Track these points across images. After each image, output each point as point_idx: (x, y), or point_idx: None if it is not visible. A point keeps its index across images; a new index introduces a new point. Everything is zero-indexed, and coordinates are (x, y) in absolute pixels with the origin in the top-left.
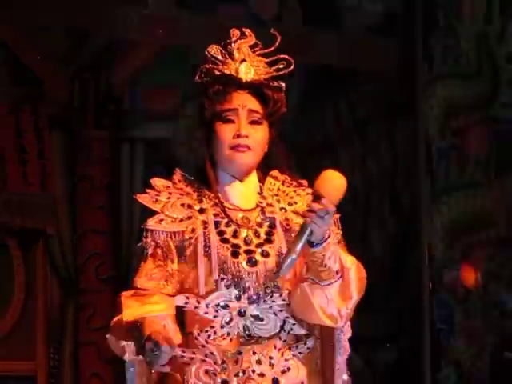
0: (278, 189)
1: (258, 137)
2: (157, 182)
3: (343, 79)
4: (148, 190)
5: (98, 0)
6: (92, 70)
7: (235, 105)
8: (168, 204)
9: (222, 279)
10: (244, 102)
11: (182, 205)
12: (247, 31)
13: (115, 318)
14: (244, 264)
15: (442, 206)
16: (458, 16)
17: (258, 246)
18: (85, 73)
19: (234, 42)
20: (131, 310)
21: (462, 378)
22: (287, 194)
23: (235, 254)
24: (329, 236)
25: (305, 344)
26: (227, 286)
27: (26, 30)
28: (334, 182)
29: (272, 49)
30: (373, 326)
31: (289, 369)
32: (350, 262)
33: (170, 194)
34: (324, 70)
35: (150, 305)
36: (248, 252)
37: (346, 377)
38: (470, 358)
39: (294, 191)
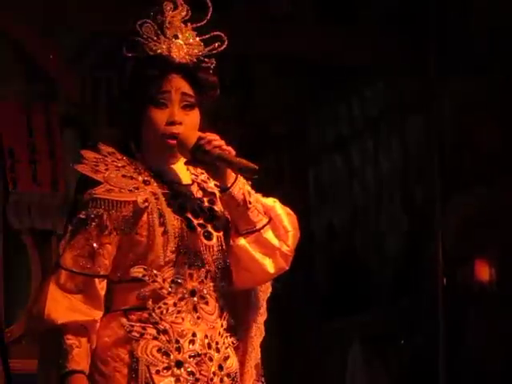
0: (201, 168)
1: (190, 122)
2: (88, 154)
3: (355, 76)
4: (85, 161)
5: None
6: (104, 69)
7: (168, 88)
8: (109, 175)
9: (180, 252)
10: (177, 85)
11: (124, 176)
12: (179, 1)
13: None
14: (201, 237)
15: (455, 203)
16: (471, 11)
17: (207, 220)
18: (97, 71)
19: (166, 14)
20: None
21: (477, 376)
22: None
23: (191, 227)
24: (236, 176)
25: (235, 334)
26: (183, 262)
27: (38, 28)
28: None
29: (204, 22)
30: (387, 324)
31: (228, 356)
32: (271, 200)
33: (106, 165)
34: (336, 67)
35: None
36: (201, 226)
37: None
38: (485, 356)
39: None
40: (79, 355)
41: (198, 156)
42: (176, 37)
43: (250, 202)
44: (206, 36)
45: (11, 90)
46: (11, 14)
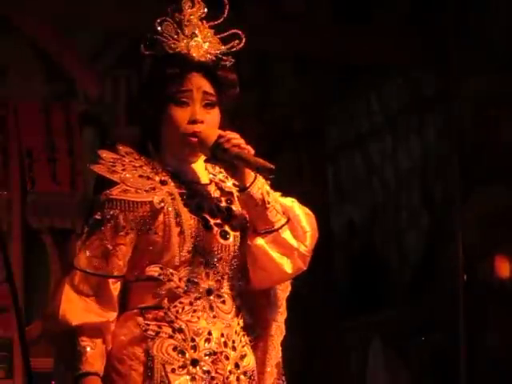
0: (220, 166)
1: (211, 121)
2: (105, 154)
3: (374, 73)
4: (101, 161)
5: None
6: (123, 68)
7: (190, 86)
8: (126, 175)
9: (196, 252)
10: (198, 84)
11: (141, 176)
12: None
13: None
14: (218, 237)
15: (475, 200)
16: (490, 7)
17: (224, 220)
18: (116, 70)
19: (185, 12)
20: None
21: (498, 372)
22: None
23: (208, 227)
24: (255, 176)
25: (253, 333)
26: (199, 261)
27: (57, 28)
28: None
29: (222, 20)
30: (407, 321)
31: (245, 355)
32: (289, 200)
33: (124, 165)
34: (354, 64)
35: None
36: (218, 225)
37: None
38: (505, 352)
39: None
40: (93, 357)
41: (218, 154)
42: (194, 35)
43: (268, 202)
44: (224, 34)
45: (31, 90)
46: (31, 13)
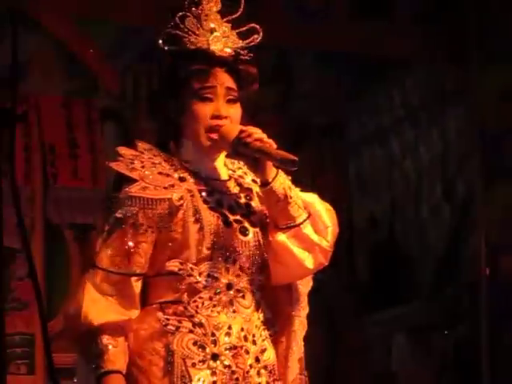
0: (238, 162)
1: (234, 116)
2: (124, 150)
3: (395, 67)
4: (120, 158)
5: None
6: (145, 63)
7: (214, 82)
8: (145, 172)
9: (215, 248)
10: (222, 80)
11: (160, 173)
12: None
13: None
14: (237, 233)
15: (497, 192)
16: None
17: (244, 216)
18: (137, 65)
19: (203, 7)
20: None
21: None
22: (248, 168)
23: (227, 223)
24: (277, 171)
25: (273, 327)
26: (219, 257)
27: (78, 23)
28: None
29: (239, 14)
30: (429, 314)
31: (266, 349)
32: (310, 196)
33: (143, 162)
34: (375, 58)
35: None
36: (237, 221)
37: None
38: None
39: None
40: (115, 355)
41: (239, 149)
42: (213, 30)
43: (290, 197)
44: (242, 29)
45: (52, 85)
46: (52, 10)
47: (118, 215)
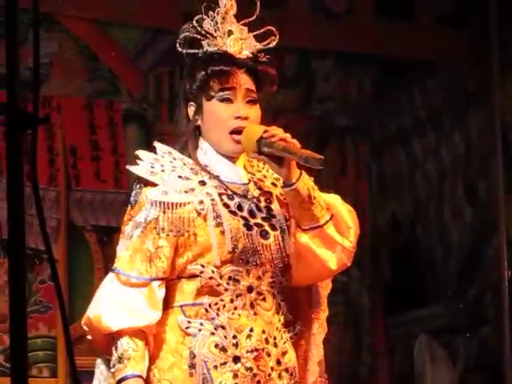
0: (258, 165)
1: (254, 117)
2: (144, 154)
3: (417, 68)
4: (139, 162)
5: None
6: (166, 65)
7: (234, 84)
8: (165, 176)
9: (236, 252)
10: (241, 81)
11: (180, 177)
12: None
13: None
14: (258, 236)
15: None
16: None
17: (264, 219)
18: (160, 67)
19: (220, 10)
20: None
21: None
22: (267, 171)
23: (248, 227)
24: (301, 172)
25: (293, 329)
26: (241, 260)
27: (100, 25)
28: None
29: (255, 17)
30: (452, 316)
31: (287, 351)
32: (333, 197)
33: (163, 166)
34: (397, 60)
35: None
36: (258, 225)
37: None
38: None
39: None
40: (136, 359)
41: (263, 149)
42: (231, 32)
43: (314, 197)
44: (259, 31)
45: (74, 87)
46: (75, 11)
47: (139, 219)
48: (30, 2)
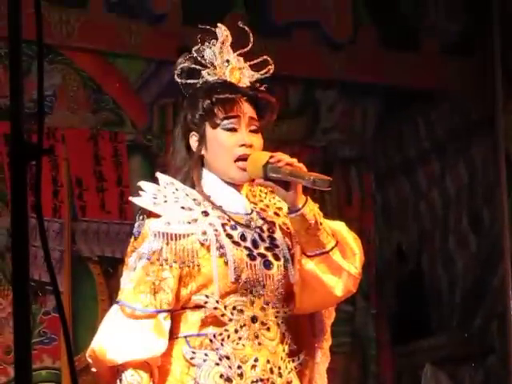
0: (259, 195)
1: (258, 145)
2: (146, 185)
3: (421, 98)
4: (142, 193)
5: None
6: (171, 96)
7: (237, 112)
8: (167, 207)
9: (240, 282)
10: (244, 110)
11: (183, 208)
12: (222, 27)
13: (97, 346)
14: (261, 267)
15: None
16: None
17: (267, 249)
18: (163, 98)
19: (218, 41)
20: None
21: None
22: (269, 200)
23: (252, 257)
24: (307, 198)
25: (298, 359)
26: (244, 290)
27: (104, 57)
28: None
29: (250, 47)
30: (457, 346)
31: (291, 381)
32: (337, 224)
33: (165, 196)
34: (401, 90)
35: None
36: (261, 255)
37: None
38: None
39: (273, 197)
40: None
41: (270, 174)
42: (228, 62)
43: (321, 223)
44: (255, 61)
45: (78, 119)
46: (78, 42)
47: (142, 250)
48: (34, 34)
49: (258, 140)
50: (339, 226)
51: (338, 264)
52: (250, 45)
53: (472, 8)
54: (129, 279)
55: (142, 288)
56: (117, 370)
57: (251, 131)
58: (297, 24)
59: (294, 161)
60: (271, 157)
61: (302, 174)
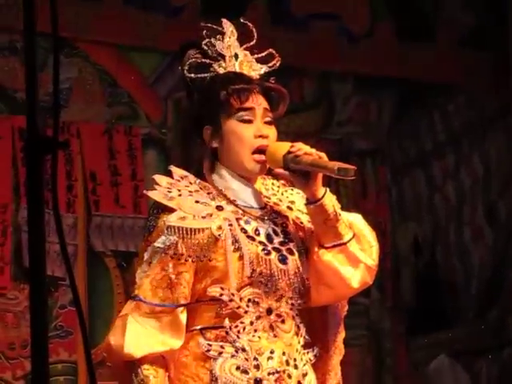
0: (272, 188)
1: (273, 137)
2: (160, 179)
3: (437, 91)
4: (156, 187)
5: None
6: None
7: (252, 104)
8: (181, 201)
9: (255, 277)
10: (259, 101)
11: (197, 202)
12: (227, 23)
13: (114, 341)
14: (276, 262)
15: None
16: None
17: (281, 244)
18: (178, 92)
19: (225, 35)
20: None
21: None
22: (282, 194)
23: (266, 252)
24: (326, 189)
25: (313, 351)
26: (259, 282)
27: (120, 50)
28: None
29: (254, 42)
30: (474, 338)
31: (307, 373)
32: (354, 215)
33: (179, 190)
34: (417, 83)
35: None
36: (276, 250)
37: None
38: None
39: (285, 191)
40: None
41: (290, 165)
42: (236, 55)
43: (340, 214)
44: (261, 54)
45: (93, 112)
46: (94, 36)
47: (158, 245)
48: (50, 27)
49: (273, 132)
50: (356, 218)
51: (355, 256)
52: (255, 39)
53: (488, 1)
54: (145, 274)
55: (158, 283)
56: (132, 365)
57: (266, 123)
58: (315, 16)
59: (314, 150)
60: (291, 146)
61: (325, 163)
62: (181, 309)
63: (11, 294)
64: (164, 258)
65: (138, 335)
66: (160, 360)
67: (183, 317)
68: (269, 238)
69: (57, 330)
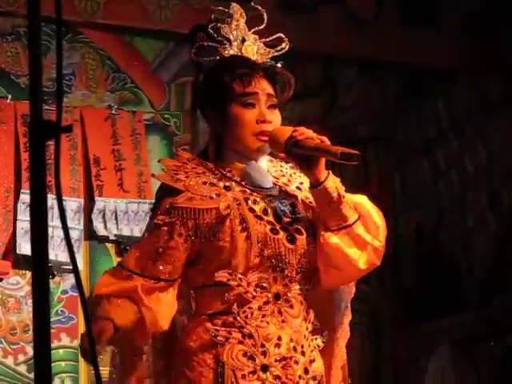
0: (281, 170)
1: (276, 122)
2: (167, 161)
3: (440, 77)
4: (165, 169)
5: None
6: (188, 75)
7: (255, 89)
8: (189, 182)
9: (263, 256)
10: (263, 86)
11: (205, 183)
12: (236, 6)
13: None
14: (285, 241)
15: None
16: None
17: (290, 223)
18: (182, 77)
19: (232, 18)
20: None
21: None
22: (291, 175)
23: (274, 231)
24: (328, 171)
25: (321, 337)
26: (267, 266)
27: (123, 35)
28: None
29: (264, 25)
30: (476, 325)
31: (314, 360)
32: (359, 197)
33: (187, 172)
34: (421, 69)
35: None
36: (284, 229)
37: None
38: None
39: (294, 173)
40: (112, 310)
41: (293, 149)
42: (244, 39)
43: (343, 196)
44: (269, 39)
45: (96, 98)
46: (104, 19)
47: (156, 221)
48: (52, 12)
49: (276, 116)
50: (361, 199)
51: (362, 237)
52: (265, 23)
53: None
54: (136, 245)
55: (143, 254)
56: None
57: (269, 107)
58: (323, 1)
59: (316, 135)
60: (294, 131)
61: (328, 148)
62: (163, 284)
63: (13, 279)
64: (158, 232)
65: (107, 281)
66: (122, 293)
67: (168, 293)
68: (277, 217)
69: (58, 315)
